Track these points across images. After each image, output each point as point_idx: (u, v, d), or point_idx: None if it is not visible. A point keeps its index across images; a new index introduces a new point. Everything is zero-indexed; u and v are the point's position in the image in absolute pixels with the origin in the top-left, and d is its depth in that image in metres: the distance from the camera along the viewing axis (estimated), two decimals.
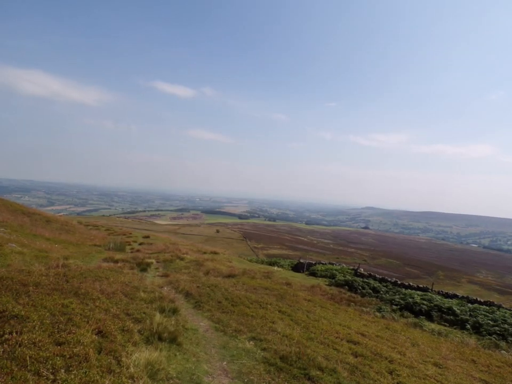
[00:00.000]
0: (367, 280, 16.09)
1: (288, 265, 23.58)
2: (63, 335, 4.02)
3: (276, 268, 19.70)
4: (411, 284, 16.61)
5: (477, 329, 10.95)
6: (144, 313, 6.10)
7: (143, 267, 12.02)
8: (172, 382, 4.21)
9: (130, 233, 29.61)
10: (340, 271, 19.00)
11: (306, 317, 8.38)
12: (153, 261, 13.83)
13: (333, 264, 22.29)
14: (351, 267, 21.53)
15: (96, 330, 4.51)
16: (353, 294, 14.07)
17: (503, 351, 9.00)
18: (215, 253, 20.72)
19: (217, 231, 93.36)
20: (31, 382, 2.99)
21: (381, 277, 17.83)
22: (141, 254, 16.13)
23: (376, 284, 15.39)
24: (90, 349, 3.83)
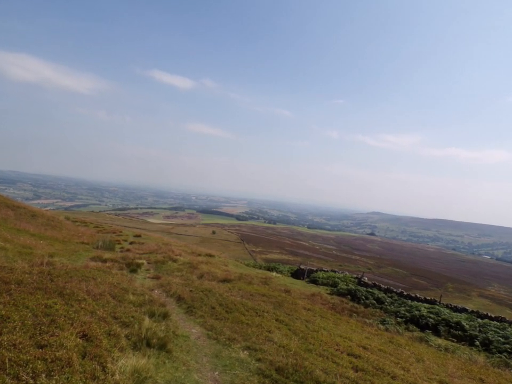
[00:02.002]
0: (371, 290, 16.10)
1: (288, 271, 23.59)
2: (45, 338, 4.02)
3: (274, 273, 19.70)
4: (418, 295, 16.62)
5: (487, 346, 10.95)
6: (132, 317, 6.10)
7: (133, 268, 12.02)
8: None
9: (121, 232, 29.63)
10: (342, 279, 19.01)
11: (305, 327, 8.38)
12: (144, 261, 13.83)
13: (335, 271, 22.29)
14: (355, 275, 21.53)
15: (81, 333, 4.51)
16: (355, 304, 14.07)
17: None
18: (210, 255, 20.73)
19: (214, 232, 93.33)
20: None
21: (386, 287, 17.83)
22: (131, 254, 16.14)
23: (381, 294, 15.40)
24: (74, 353, 3.83)
